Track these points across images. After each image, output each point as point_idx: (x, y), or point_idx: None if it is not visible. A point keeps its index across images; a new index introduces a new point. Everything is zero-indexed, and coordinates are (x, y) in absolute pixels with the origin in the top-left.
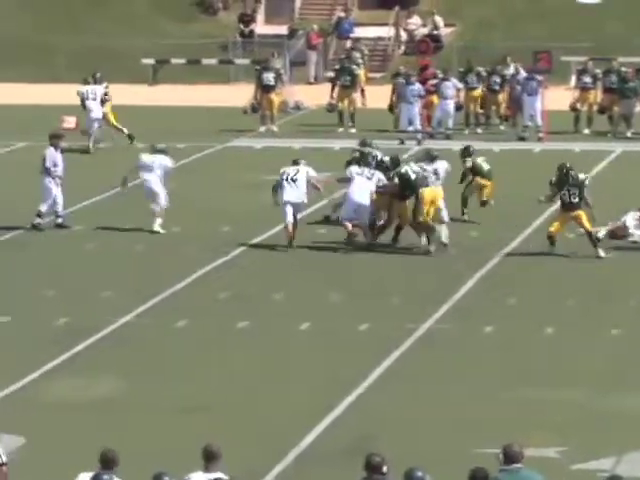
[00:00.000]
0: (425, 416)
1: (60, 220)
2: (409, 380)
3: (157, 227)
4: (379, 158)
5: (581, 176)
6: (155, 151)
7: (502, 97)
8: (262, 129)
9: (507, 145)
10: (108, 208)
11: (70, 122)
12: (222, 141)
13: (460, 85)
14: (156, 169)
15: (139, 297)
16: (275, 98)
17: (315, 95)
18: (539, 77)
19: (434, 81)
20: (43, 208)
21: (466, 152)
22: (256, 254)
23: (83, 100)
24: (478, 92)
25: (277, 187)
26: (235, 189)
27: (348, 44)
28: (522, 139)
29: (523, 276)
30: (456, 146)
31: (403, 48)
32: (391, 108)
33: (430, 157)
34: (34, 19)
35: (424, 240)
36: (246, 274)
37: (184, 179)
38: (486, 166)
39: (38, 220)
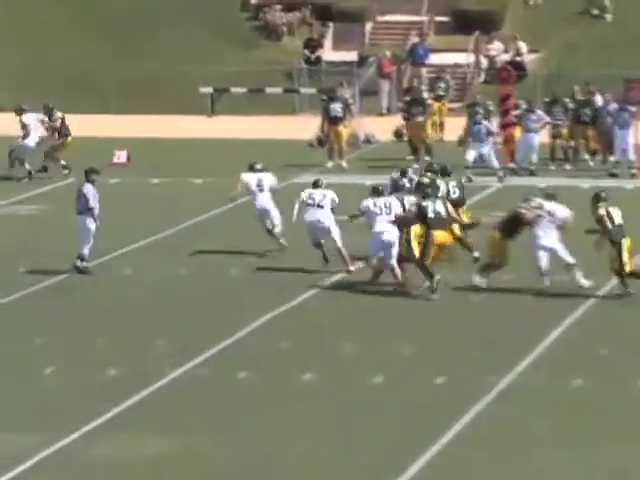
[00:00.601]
0: (504, 479)
1: (85, 263)
2: (488, 439)
3: (283, 240)
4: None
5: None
6: (256, 171)
7: (592, 130)
8: (329, 164)
9: (597, 182)
10: (158, 251)
11: (122, 157)
12: (286, 177)
13: (545, 117)
14: (265, 188)
15: (195, 346)
16: (343, 131)
17: (387, 127)
18: (632, 108)
19: (516, 112)
20: (86, 250)
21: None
22: (323, 300)
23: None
24: (565, 125)
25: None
26: (301, 230)
27: (423, 72)
28: (613, 175)
29: (617, 322)
30: (541, 183)
31: (483, 76)
32: (462, 141)
33: (547, 196)
34: (83, 45)
35: (428, 284)
36: (313, 321)
37: (246, 218)
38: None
39: (84, 264)
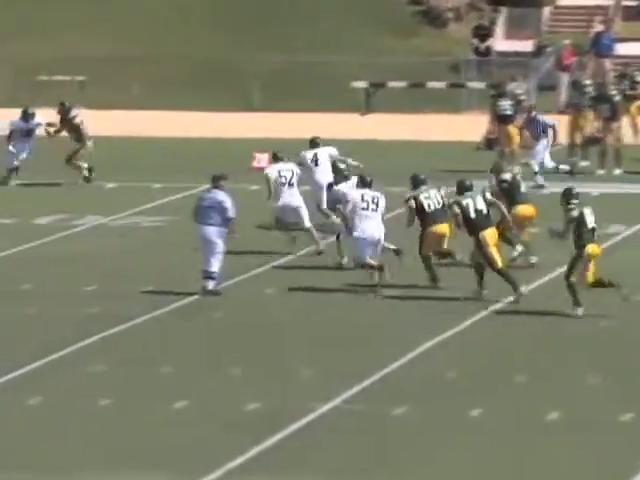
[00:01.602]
0: None
1: (213, 284)
2: None
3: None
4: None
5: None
6: (316, 146)
7: None
8: None
9: None
10: (303, 268)
11: (262, 160)
12: (450, 183)
13: None
14: (322, 162)
15: (346, 378)
16: (514, 131)
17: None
18: None
19: None
20: (216, 267)
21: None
22: (492, 325)
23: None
24: None
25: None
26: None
27: (607, 64)
28: None
29: None
30: None
31: None
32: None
33: None
34: (223, 36)
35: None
36: (481, 349)
37: (401, 232)
38: None
39: (211, 283)
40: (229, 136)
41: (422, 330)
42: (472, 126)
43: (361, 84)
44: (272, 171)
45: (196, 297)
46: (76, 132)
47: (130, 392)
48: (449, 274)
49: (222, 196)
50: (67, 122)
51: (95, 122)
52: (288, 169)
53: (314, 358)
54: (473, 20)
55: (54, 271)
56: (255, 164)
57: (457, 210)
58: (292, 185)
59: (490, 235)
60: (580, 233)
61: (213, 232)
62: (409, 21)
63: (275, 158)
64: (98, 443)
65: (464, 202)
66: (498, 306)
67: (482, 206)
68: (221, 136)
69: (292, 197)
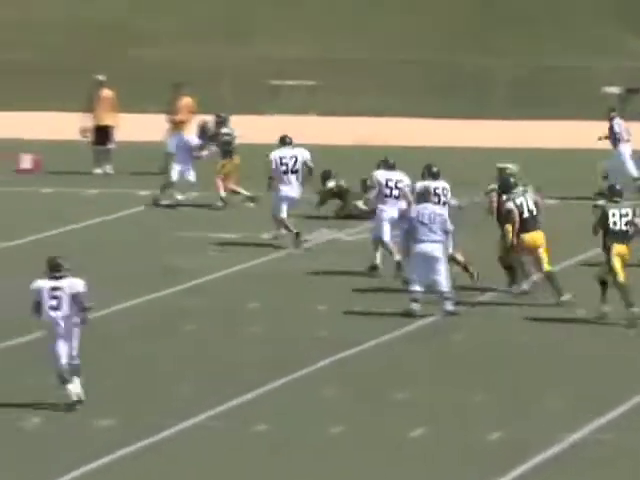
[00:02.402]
0: None
1: (451, 306)
2: None
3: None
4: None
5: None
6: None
7: None
8: None
9: None
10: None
11: None
12: None
13: None
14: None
15: (595, 405)
16: None
17: None
18: None
19: None
20: (447, 285)
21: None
22: None
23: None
24: None
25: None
26: None
27: None
28: None
29: None
30: None
31: None
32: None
33: None
34: (463, 40)
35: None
36: None
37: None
38: None
39: (449, 303)
40: (463, 145)
41: None
42: None
43: (614, 90)
44: (274, 156)
45: (434, 318)
46: (223, 148)
47: (363, 419)
48: None
49: (439, 209)
50: (218, 136)
51: (324, 129)
52: (292, 155)
53: (560, 383)
54: None
55: (283, 289)
56: None
57: (512, 207)
58: (294, 173)
59: (539, 237)
60: (605, 232)
61: (438, 248)
62: None
63: (282, 142)
64: (329, 474)
65: (518, 200)
66: None
67: (533, 207)
68: (453, 145)
69: (291, 187)
